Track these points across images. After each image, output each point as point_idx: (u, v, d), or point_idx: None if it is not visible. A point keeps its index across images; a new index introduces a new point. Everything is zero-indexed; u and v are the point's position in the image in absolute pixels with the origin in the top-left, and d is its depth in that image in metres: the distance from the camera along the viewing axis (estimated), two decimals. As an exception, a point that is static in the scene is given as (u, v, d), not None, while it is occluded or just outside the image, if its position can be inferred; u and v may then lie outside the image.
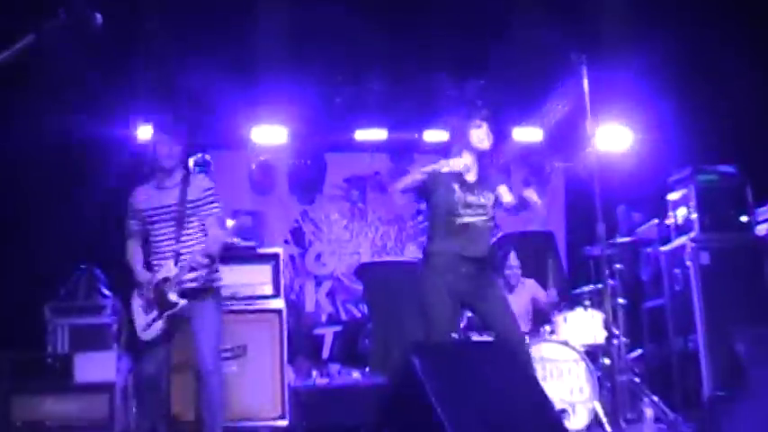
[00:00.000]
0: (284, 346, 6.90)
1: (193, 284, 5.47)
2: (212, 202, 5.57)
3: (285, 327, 6.97)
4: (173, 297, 5.40)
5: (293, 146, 9.71)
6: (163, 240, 5.54)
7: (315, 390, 7.75)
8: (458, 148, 5.58)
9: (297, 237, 10.30)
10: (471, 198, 5.44)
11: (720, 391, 3.59)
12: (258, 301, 7.02)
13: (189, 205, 5.51)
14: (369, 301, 9.21)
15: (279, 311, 6.98)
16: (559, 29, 7.44)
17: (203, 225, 5.53)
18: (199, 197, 5.53)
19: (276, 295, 7.06)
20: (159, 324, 5.44)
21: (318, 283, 10.28)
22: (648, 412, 6.64)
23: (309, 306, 10.17)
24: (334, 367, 8.67)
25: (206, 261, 5.45)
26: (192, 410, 6.48)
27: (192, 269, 5.43)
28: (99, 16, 4.12)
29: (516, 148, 10.11)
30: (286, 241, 10.11)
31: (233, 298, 6.89)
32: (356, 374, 8.31)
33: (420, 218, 10.54)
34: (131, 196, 5.66)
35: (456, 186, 5.41)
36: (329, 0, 7.62)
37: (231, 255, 7.09)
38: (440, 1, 7.80)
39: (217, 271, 5.64)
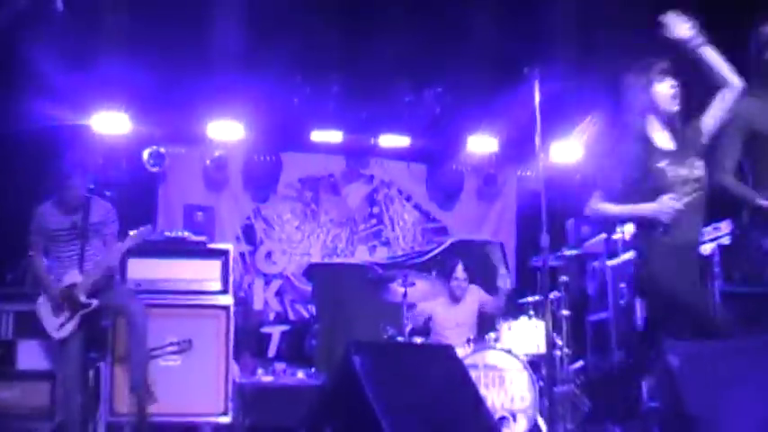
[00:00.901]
0: (230, 342, 6.88)
1: (98, 284, 6.21)
2: (112, 222, 6.35)
3: (232, 323, 6.95)
4: (83, 299, 6.09)
5: (249, 143, 9.69)
6: (67, 254, 6.24)
7: (259, 387, 7.76)
8: (636, 117, 4.65)
9: (248, 234, 10.28)
10: (683, 171, 4.50)
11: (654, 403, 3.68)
12: (206, 297, 7.00)
13: (91, 227, 6.25)
14: (317, 301, 9.24)
15: (226, 308, 6.97)
16: (515, 41, 7.52)
17: (103, 240, 6.29)
18: (100, 219, 6.29)
19: (224, 291, 7.04)
20: (72, 323, 6.08)
21: (267, 282, 10.27)
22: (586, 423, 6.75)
23: (258, 304, 10.15)
24: (280, 366, 8.67)
25: (109, 273, 6.28)
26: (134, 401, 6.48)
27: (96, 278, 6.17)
28: (60, 3, 4.12)
29: (470, 157, 10.21)
30: (237, 238, 10.08)
31: (177, 292, 6.91)
32: (301, 374, 8.33)
33: (373, 221, 10.60)
34: (38, 215, 6.28)
35: (664, 164, 4.49)
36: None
37: (181, 249, 7.10)
38: (400, 6, 7.84)
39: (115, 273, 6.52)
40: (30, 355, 6.61)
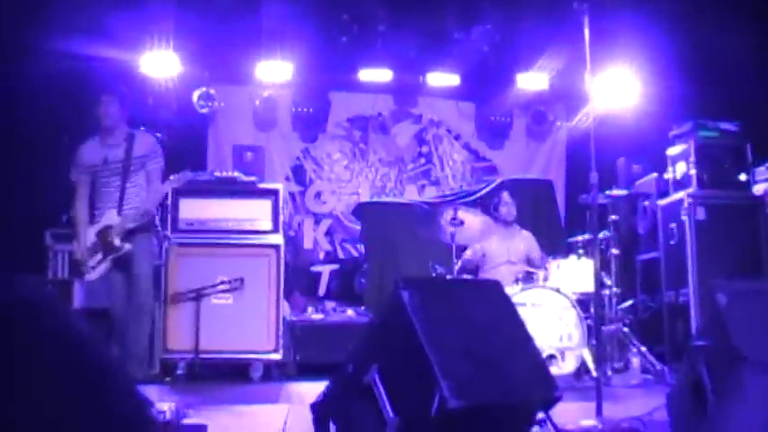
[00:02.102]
0: (281, 281, 6.96)
1: (134, 228, 6.16)
2: (157, 157, 6.22)
3: (283, 262, 7.03)
4: (116, 242, 6.07)
5: (297, 83, 9.70)
6: (107, 191, 6.16)
7: (309, 325, 7.87)
8: None
9: (298, 174, 10.34)
10: None
11: (701, 341, 3.66)
12: (257, 236, 7.07)
13: (135, 161, 6.14)
14: (366, 240, 9.29)
15: (277, 247, 7.04)
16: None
17: (147, 177, 6.19)
18: (144, 153, 6.17)
19: (275, 231, 7.10)
20: (104, 266, 6.12)
21: (317, 221, 10.35)
22: (636, 362, 6.74)
23: (308, 243, 10.25)
24: (330, 304, 8.78)
25: (146, 218, 6.19)
26: (187, 339, 6.59)
27: (134, 220, 6.13)
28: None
29: (520, 95, 10.11)
30: (287, 178, 10.16)
31: (228, 231, 6.99)
32: (351, 312, 8.42)
33: (422, 160, 10.59)
34: (78, 150, 6.21)
35: None
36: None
37: (231, 189, 7.17)
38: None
39: (155, 216, 6.48)
40: (85, 293, 6.75)
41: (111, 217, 6.13)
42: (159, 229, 6.69)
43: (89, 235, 6.17)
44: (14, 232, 7.22)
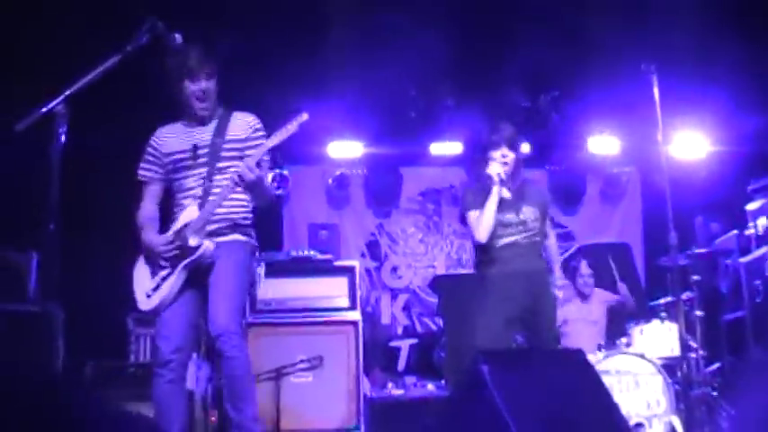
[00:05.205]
0: (360, 357, 6.96)
1: (221, 224, 4.55)
2: (258, 141, 4.61)
3: (361, 338, 7.04)
4: (193, 241, 4.40)
5: (369, 159, 9.82)
6: (188, 187, 4.59)
7: (390, 401, 7.81)
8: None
9: (373, 250, 10.39)
10: (509, 216, 5.47)
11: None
12: (335, 313, 7.10)
13: (228, 144, 4.59)
14: (444, 313, 9.23)
15: (355, 323, 7.06)
16: (630, 38, 7.40)
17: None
18: (244, 136, 4.64)
19: (353, 307, 7.14)
20: (168, 284, 4.43)
21: (394, 296, 10.34)
22: (726, 426, 6.55)
23: (385, 319, 10.23)
24: (410, 379, 8.72)
25: (253, 177, 4.38)
26: (268, 418, 6.57)
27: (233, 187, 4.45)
28: (179, 37, 4.29)
29: (592, 159, 10.07)
30: (362, 254, 10.21)
31: (306, 309, 7.01)
32: (431, 386, 8.35)
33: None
34: (151, 139, 4.73)
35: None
36: (400, 12, 7.66)
37: (308, 267, 7.23)
38: (510, 13, 7.80)
39: (252, 214, 4.78)
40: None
41: (190, 212, 4.51)
42: (255, 241, 4.77)
43: (159, 241, 4.53)
44: (96, 317, 7.35)
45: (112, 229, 8.14)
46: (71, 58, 4.65)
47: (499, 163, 5.48)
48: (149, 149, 4.70)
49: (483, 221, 5.37)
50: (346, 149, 9.48)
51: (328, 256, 7.44)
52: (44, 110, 3.92)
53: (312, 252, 7.47)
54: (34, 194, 4.23)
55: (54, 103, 3.93)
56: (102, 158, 7.65)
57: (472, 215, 5.47)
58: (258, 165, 4.43)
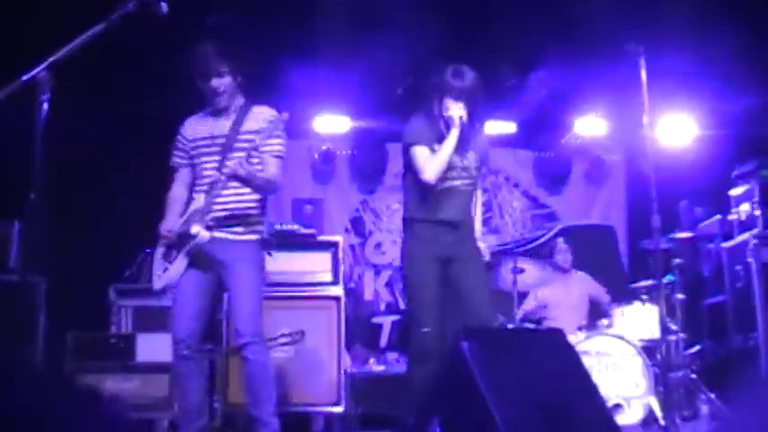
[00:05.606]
0: (342, 332, 6.94)
1: (222, 214, 4.77)
2: (273, 135, 4.73)
3: (343, 314, 7.02)
4: (194, 229, 4.62)
5: (355, 135, 9.79)
6: (204, 174, 4.82)
7: (371, 377, 7.83)
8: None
9: (357, 226, 10.38)
10: (455, 159, 5.11)
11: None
12: (317, 288, 7.07)
13: (242, 136, 4.74)
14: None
15: (337, 298, 7.03)
16: (619, 19, 7.37)
17: (258, 161, 4.76)
18: (259, 128, 4.70)
19: (335, 282, 7.11)
20: (176, 266, 4.74)
21: (377, 273, 10.35)
22: (705, 409, 6.60)
23: (368, 295, 10.24)
24: (392, 355, 8.73)
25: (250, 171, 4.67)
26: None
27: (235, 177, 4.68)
28: (165, 5, 4.24)
29: (577, 141, 10.07)
30: (346, 230, 10.20)
31: (288, 284, 6.99)
32: (412, 363, 8.35)
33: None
34: (181, 127, 4.98)
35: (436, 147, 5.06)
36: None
37: (291, 242, 7.20)
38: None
39: (263, 208, 5.04)
40: (149, 349, 6.81)
41: (198, 201, 4.73)
42: (265, 234, 5.02)
43: (164, 225, 4.84)
44: (78, 288, 7.33)
45: (96, 200, 8.16)
46: (55, 27, 4.59)
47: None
48: (178, 136, 4.97)
49: (436, 162, 5.01)
50: (333, 124, 9.44)
51: (311, 231, 7.41)
52: (26, 77, 3.87)
53: (295, 226, 7.44)
54: (17, 163, 4.21)
55: (37, 70, 3.88)
56: (87, 129, 7.59)
57: (419, 151, 5.09)
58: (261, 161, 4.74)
